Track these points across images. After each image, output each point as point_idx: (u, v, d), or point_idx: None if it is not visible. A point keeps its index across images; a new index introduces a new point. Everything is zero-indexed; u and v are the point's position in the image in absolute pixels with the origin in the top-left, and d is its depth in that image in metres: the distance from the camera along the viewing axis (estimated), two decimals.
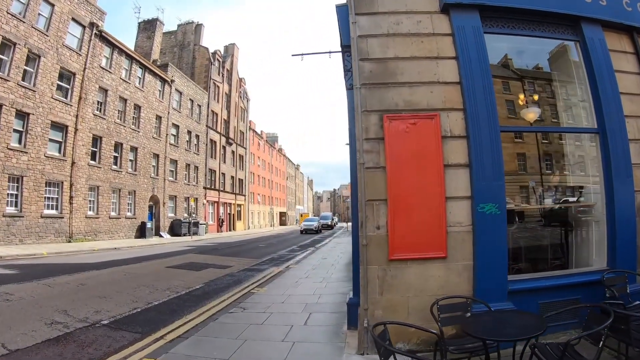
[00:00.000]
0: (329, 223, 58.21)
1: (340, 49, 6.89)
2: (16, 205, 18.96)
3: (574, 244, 6.47)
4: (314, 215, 74.58)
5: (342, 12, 6.14)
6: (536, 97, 6.95)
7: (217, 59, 45.68)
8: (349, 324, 5.86)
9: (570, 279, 5.39)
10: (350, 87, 5.55)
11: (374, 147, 5.05)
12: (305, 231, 43.31)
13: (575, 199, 6.96)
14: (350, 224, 71.63)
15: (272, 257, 17.43)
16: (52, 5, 20.74)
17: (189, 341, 5.58)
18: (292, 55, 5.98)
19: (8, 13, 18.06)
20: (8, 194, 18.46)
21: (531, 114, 6.63)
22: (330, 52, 6.49)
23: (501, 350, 3.85)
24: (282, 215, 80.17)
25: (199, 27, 44.77)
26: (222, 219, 45.20)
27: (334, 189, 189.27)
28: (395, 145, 5.01)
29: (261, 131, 69.03)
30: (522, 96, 6.80)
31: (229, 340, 5.56)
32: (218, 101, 45.55)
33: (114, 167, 26.52)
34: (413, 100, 5.16)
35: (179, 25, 45.12)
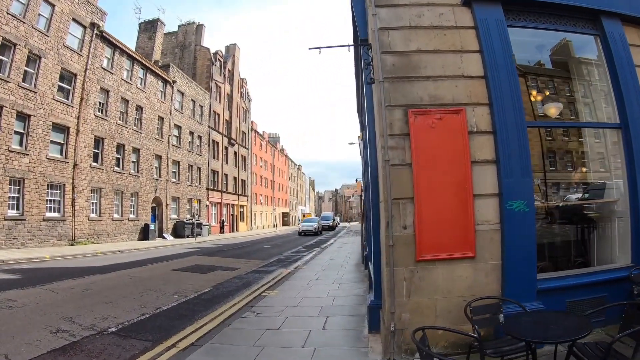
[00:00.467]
0: (331, 224, 53.45)
1: (352, 44, 6.67)
2: (18, 208, 18.72)
3: (594, 241, 6.28)
4: (316, 216, 67.38)
5: (358, 5, 6.15)
6: (547, 93, 6.83)
7: (219, 60, 45.43)
8: (370, 328, 5.69)
9: (597, 277, 5.21)
10: (370, 82, 5.31)
11: (399, 144, 4.82)
12: (304, 233, 39.49)
13: (578, 196, 6.89)
14: (353, 223, 70.56)
15: (279, 259, 17.16)
16: (53, 5, 20.51)
17: (203, 349, 5.30)
18: (310, 48, 5.70)
19: (8, 13, 17.84)
20: (9, 197, 18.25)
21: (553, 109, 6.51)
22: (349, 45, 6.25)
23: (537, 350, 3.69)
24: (285, 215, 79.92)
25: (199, 27, 44.54)
26: (224, 221, 44.41)
27: (336, 189, 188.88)
28: (421, 141, 4.79)
29: (263, 131, 68.81)
30: (534, 92, 6.66)
31: (246, 348, 5.29)
32: (220, 102, 45.31)
33: (117, 168, 26.30)
34: (438, 94, 4.96)
35: (179, 26, 44.94)
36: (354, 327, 6.12)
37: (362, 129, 11.93)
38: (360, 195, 15.28)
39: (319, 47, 6.09)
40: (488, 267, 4.74)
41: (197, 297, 8.74)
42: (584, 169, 7.04)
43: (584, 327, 3.26)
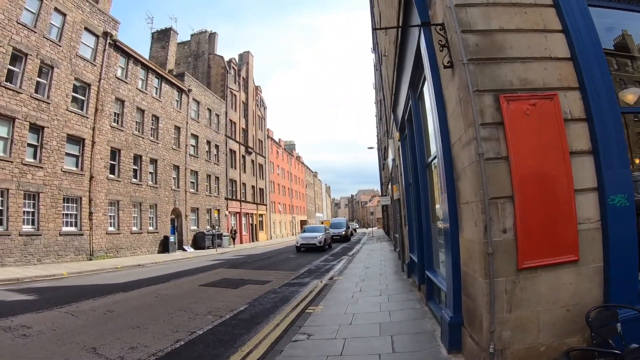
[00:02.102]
0: (343, 233, 39.94)
1: (419, 24, 5.94)
2: (33, 224, 18.10)
3: None
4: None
5: None
6: None
7: (233, 67, 44.94)
8: (450, 347, 4.99)
9: None
10: (448, 65, 4.69)
11: (492, 134, 4.17)
12: (304, 248, 27.12)
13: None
14: (371, 229, 68.57)
15: (309, 269, 16.29)
16: (64, 14, 20.04)
17: None
18: (374, 29, 5.03)
19: (18, 23, 17.31)
20: (24, 212, 17.62)
21: (630, 95, 5.84)
22: (417, 26, 5.81)
23: None
24: (304, 223, 78.71)
25: (212, 36, 44.15)
26: (235, 230, 41.17)
27: (352, 195, 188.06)
28: (516, 130, 4.17)
29: (279, 139, 68.27)
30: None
31: None
32: (236, 110, 44.72)
33: (134, 180, 25.67)
34: (528, 77, 4.36)
35: (192, 35, 44.64)
36: (428, 347, 5.30)
37: (401, 129, 10.81)
38: (399, 199, 14.05)
39: (385, 28, 5.52)
40: (590, 271, 4.15)
41: (234, 317, 7.83)
42: None
43: None
